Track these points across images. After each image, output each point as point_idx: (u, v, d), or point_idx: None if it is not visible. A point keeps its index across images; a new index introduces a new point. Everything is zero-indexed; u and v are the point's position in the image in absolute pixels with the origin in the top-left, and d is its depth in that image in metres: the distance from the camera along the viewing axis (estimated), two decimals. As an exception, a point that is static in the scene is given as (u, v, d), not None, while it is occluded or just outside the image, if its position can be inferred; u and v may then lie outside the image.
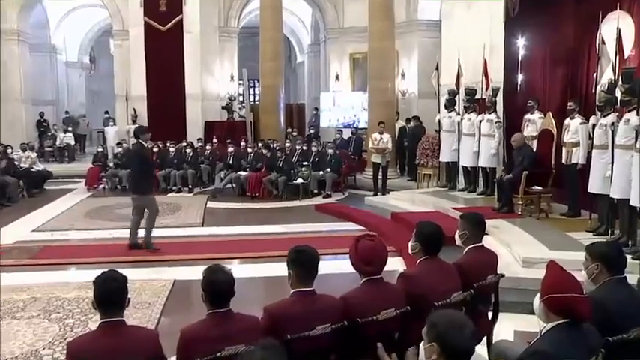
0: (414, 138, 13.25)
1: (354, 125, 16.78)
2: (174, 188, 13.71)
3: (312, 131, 17.64)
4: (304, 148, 13.63)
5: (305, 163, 12.88)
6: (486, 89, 10.45)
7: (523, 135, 9.11)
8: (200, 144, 15.15)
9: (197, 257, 7.68)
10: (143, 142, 8.07)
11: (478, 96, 10.74)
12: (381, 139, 12.41)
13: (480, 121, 10.38)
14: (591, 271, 3.07)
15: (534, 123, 9.32)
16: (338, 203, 12.00)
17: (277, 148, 13.92)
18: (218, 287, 2.91)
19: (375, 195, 12.06)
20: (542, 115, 9.21)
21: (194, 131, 16.13)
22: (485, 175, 10.49)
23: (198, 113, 16.62)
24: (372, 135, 12.71)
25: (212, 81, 17.58)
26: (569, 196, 8.47)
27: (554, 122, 8.73)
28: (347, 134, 15.77)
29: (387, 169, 12.51)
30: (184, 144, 14.68)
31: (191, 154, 14.20)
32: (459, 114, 11.14)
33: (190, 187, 13.75)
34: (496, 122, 9.99)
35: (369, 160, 12.92)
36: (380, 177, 12.35)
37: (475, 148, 10.52)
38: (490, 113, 10.13)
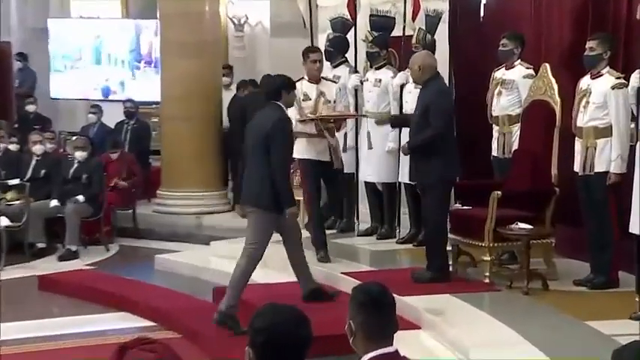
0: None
1: (129, 97, 16.78)
2: None
3: (30, 109, 17.55)
4: (10, 146, 13.83)
5: (14, 182, 12.97)
6: (414, 18, 10.80)
7: (430, 53, 9.55)
8: None
9: None
10: (284, 108, 8.87)
11: (397, 32, 11.06)
12: (322, 92, 10.85)
13: (402, 86, 10.75)
14: None
15: (514, 87, 9.77)
16: (94, 270, 11.98)
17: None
18: None
19: (323, 258, 10.76)
20: (532, 72, 9.62)
21: None
22: (413, 200, 10.69)
23: None
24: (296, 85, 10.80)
25: None
26: (592, 243, 8.84)
27: (555, 86, 9.09)
28: (114, 115, 15.87)
29: (344, 177, 11.64)
30: None
31: None
32: (356, 71, 11.58)
33: None
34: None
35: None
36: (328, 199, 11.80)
37: (392, 144, 10.81)
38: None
